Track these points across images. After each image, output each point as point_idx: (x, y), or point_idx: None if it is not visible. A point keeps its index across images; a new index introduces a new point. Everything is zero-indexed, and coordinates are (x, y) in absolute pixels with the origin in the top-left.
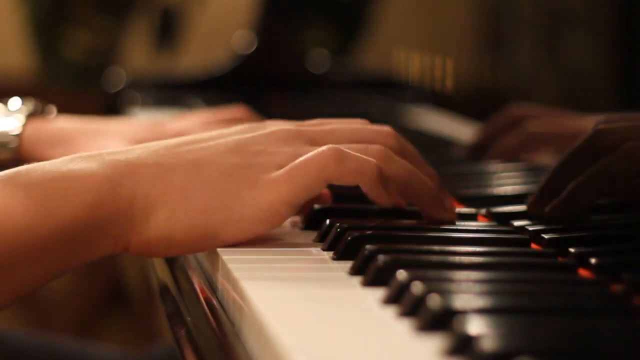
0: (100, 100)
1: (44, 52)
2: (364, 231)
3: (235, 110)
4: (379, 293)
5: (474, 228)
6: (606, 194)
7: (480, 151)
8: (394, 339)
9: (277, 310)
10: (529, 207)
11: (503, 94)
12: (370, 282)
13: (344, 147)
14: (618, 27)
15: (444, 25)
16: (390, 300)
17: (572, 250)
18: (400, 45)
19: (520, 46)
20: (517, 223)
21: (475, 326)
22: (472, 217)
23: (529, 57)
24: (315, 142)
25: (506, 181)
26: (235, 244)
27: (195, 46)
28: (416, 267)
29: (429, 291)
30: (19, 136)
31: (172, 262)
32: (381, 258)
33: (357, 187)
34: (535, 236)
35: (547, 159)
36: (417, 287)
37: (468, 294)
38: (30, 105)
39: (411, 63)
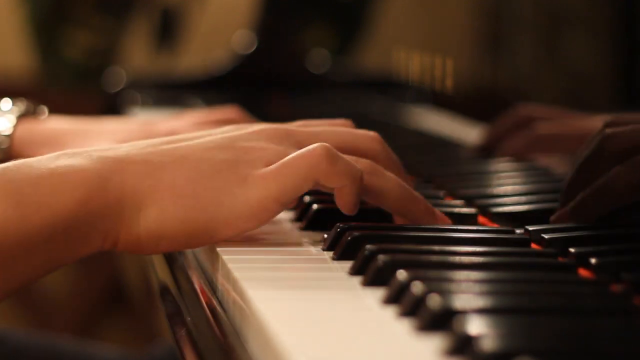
0: (100, 100)
1: (44, 52)
2: (364, 231)
3: (228, 111)
4: (379, 293)
5: (474, 228)
6: (613, 206)
7: (486, 152)
8: (394, 339)
9: (277, 310)
10: (553, 222)
11: (503, 94)
12: (370, 282)
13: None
14: (618, 27)
15: (444, 25)
16: (390, 300)
17: (572, 250)
18: (400, 45)
19: (520, 46)
20: (517, 223)
21: (475, 326)
22: (472, 217)
23: (529, 57)
24: (301, 144)
25: (507, 180)
26: (225, 240)
27: (195, 46)
28: (416, 267)
29: (429, 291)
30: (10, 137)
31: (172, 262)
32: (381, 258)
33: None
34: (535, 236)
35: (551, 160)
36: (417, 287)
37: (468, 294)
38: (22, 105)
39: (411, 63)
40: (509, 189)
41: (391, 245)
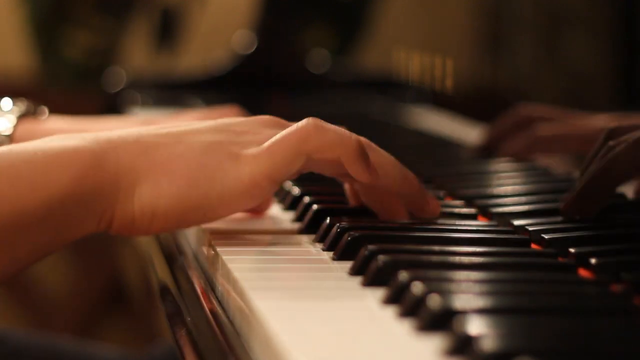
0: (101, 100)
1: (44, 52)
2: (364, 231)
3: (227, 110)
4: (379, 293)
5: (474, 228)
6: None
7: (486, 152)
8: (394, 339)
9: (277, 310)
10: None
11: (503, 94)
12: (370, 282)
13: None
14: (618, 27)
15: (444, 25)
16: (390, 300)
17: (572, 250)
18: (400, 45)
19: (520, 46)
20: (517, 223)
21: (475, 326)
22: (472, 217)
23: (529, 57)
24: None
25: (507, 181)
26: (218, 219)
27: (195, 46)
28: (416, 267)
29: (429, 291)
30: (10, 137)
31: (172, 262)
32: (381, 258)
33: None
34: (535, 236)
35: (551, 160)
36: (417, 287)
37: (468, 294)
38: (22, 105)
39: (411, 63)
40: (509, 189)
41: (391, 246)
